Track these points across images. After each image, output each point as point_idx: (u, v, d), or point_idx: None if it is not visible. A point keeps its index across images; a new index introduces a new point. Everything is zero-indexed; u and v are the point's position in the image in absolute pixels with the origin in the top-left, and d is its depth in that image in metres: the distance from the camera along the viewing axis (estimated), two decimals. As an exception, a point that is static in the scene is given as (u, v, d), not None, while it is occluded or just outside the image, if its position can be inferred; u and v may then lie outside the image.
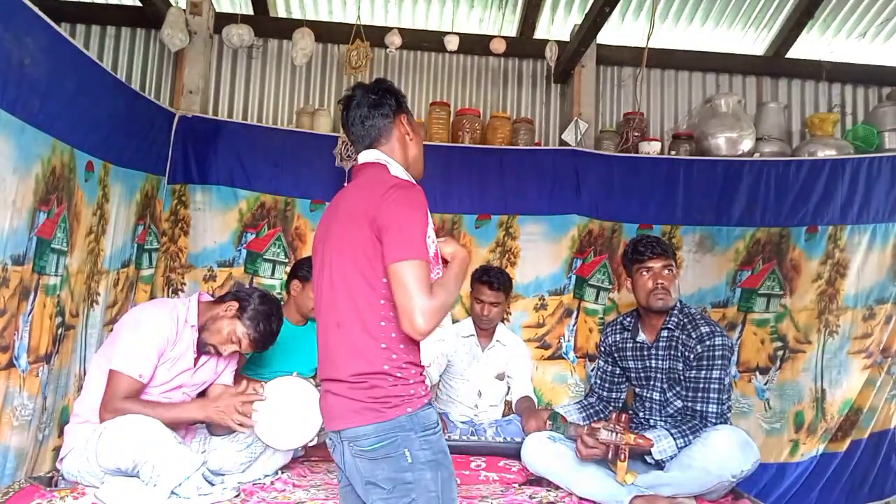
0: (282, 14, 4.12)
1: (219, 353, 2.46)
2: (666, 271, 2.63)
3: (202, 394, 2.63)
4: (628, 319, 2.83)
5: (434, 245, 1.60)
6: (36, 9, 2.18)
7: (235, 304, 2.42)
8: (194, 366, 2.50)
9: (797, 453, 3.58)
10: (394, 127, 1.72)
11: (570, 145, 3.78)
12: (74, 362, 2.67)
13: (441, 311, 1.50)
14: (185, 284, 3.45)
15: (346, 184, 3.34)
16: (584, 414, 2.86)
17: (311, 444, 2.40)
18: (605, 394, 2.90)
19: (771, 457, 3.53)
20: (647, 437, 2.39)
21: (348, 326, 1.56)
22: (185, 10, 3.69)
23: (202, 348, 2.46)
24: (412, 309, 1.46)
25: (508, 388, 3.28)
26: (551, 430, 2.65)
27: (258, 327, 2.41)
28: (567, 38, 3.97)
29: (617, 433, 2.34)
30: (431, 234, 1.59)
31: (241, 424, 2.31)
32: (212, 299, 2.57)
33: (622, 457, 2.33)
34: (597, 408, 2.89)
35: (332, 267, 1.61)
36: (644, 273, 2.65)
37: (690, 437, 2.40)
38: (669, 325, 2.64)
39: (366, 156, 1.72)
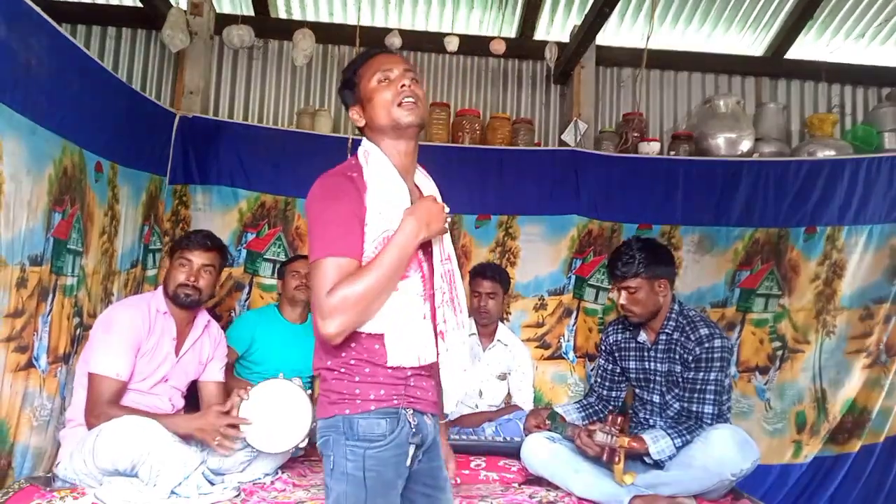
0: (282, 15, 4.13)
1: (197, 285, 2.51)
2: (627, 293, 2.61)
3: (192, 389, 2.65)
4: None
5: (382, 234, 1.41)
6: (39, 10, 2.18)
7: (167, 259, 2.66)
8: (176, 355, 2.53)
9: (800, 454, 3.56)
10: (355, 119, 1.57)
11: (569, 146, 3.78)
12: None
13: (345, 305, 1.32)
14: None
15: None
16: (583, 413, 2.86)
17: (301, 446, 2.40)
18: (604, 392, 2.90)
19: (774, 458, 3.51)
20: (643, 438, 2.40)
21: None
22: (185, 11, 3.69)
23: (179, 300, 2.51)
24: (315, 312, 1.37)
25: (509, 388, 3.28)
26: (550, 430, 2.66)
27: (185, 239, 2.60)
28: (567, 39, 3.98)
29: (612, 436, 2.34)
30: (372, 220, 1.41)
31: (220, 445, 2.31)
32: None
33: (617, 459, 2.33)
34: (596, 407, 2.89)
35: None
36: (616, 291, 2.71)
37: (688, 437, 2.41)
38: (667, 329, 2.64)
39: None
